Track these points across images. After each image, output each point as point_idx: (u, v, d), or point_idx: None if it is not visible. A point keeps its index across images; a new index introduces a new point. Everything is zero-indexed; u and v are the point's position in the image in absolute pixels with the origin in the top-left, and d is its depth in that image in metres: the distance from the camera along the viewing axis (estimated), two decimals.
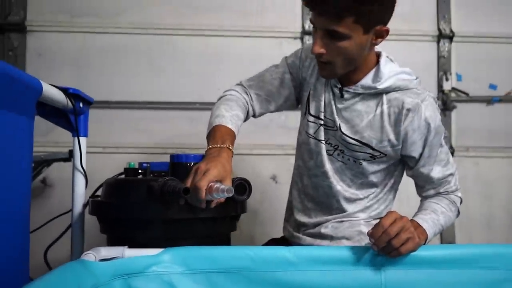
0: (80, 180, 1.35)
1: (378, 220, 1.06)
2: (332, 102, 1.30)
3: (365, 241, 1.07)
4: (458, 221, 1.36)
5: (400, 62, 1.29)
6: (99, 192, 1.34)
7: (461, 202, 1.33)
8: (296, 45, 2.28)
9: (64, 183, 2.09)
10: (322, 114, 1.31)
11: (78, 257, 0.99)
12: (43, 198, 2.19)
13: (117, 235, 1.26)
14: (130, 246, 1.03)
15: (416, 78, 1.27)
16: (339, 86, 1.28)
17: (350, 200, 1.34)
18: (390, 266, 1.06)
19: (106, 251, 1.00)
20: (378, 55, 1.28)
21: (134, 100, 2.24)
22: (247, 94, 1.38)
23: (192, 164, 1.23)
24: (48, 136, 2.13)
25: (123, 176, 1.33)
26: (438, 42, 2.37)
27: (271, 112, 1.43)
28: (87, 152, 1.39)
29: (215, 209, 1.15)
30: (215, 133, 1.22)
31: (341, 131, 1.28)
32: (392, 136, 1.25)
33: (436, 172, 1.28)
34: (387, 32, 1.18)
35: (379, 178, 1.33)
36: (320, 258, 1.05)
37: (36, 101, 1.10)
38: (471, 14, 2.39)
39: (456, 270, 1.06)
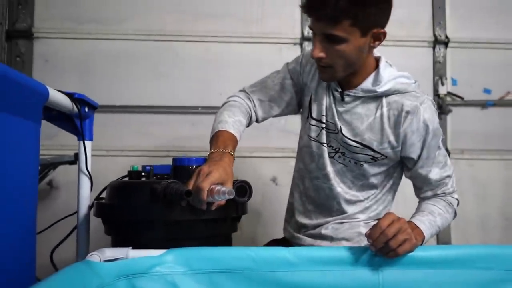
0: (85, 182, 1.35)
1: (377, 221, 1.06)
2: (333, 106, 1.30)
3: (365, 242, 1.07)
4: (454, 222, 1.36)
5: (397, 67, 1.30)
6: (103, 195, 1.33)
7: (458, 204, 1.32)
8: (296, 51, 2.29)
9: (69, 186, 2.09)
10: (324, 117, 1.32)
11: (83, 258, 0.99)
12: (50, 200, 2.18)
13: (121, 236, 1.26)
14: (134, 247, 1.03)
15: (415, 82, 1.28)
16: (340, 90, 1.28)
17: (350, 202, 1.34)
18: (387, 266, 1.06)
19: (111, 252, 1.00)
20: (378, 59, 1.28)
21: (138, 105, 2.24)
22: (250, 100, 1.38)
23: (194, 167, 1.23)
24: (54, 140, 2.12)
25: (127, 178, 1.33)
26: (433, 47, 2.37)
27: (274, 116, 1.43)
28: (92, 155, 1.39)
29: (216, 210, 1.15)
30: (217, 138, 1.22)
31: (342, 134, 1.28)
32: (392, 138, 1.25)
33: (434, 173, 1.28)
34: (384, 35, 1.18)
35: (379, 180, 1.33)
36: (319, 258, 1.05)
37: (43, 106, 1.10)
38: (465, 20, 2.39)
39: (452, 270, 1.06)
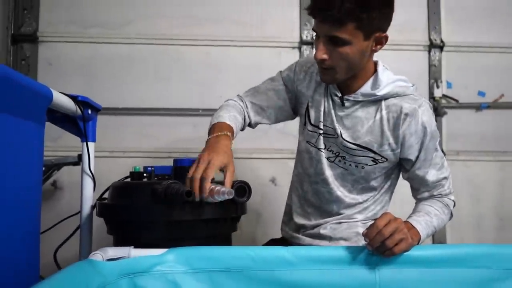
0: (88, 183, 1.35)
1: (374, 221, 1.06)
2: (332, 111, 1.29)
3: (362, 241, 1.07)
4: (450, 222, 1.35)
5: (394, 71, 1.30)
6: (106, 195, 1.33)
7: (454, 205, 1.32)
8: (294, 55, 2.29)
9: (73, 186, 2.08)
10: (322, 123, 1.31)
11: (86, 257, 0.99)
12: (54, 200, 2.18)
13: (123, 236, 1.26)
14: (136, 247, 1.03)
15: (413, 85, 1.28)
16: (340, 95, 1.27)
17: (350, 205, 1.33)
18: (384, 265, 1.05)
19: (113, 251, 1.00)
20: (375, 63, 1.28)
21: (140, 107, 2.24)
22: (243, 102, 1.38)
23: None
24: (58, 141, 2.12)
25: (129, 179, 1.33)
26: (429, 51, 2.37)
27: (267, 122, 1.42)
28: (95, 157, 1.40)
29: (216, 211, 1.15)
30: (214, 128, 1.22)
31: (342, 138, 1.27)
32: (391, 140, 1.24)
33: (431, 175, 1.28)
34: (386, 39, 1.18)
35: (379, 182, 1.33)
36: (317, 257, 1.05)
37: (47, 108, 1.10)
38: (460, 25, 2.39)
39: (447, 269, 1.05)
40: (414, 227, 1.15)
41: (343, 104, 1.27)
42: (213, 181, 1.18)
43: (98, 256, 0.97)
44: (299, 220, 1.40)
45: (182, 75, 2.25)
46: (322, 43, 1.15)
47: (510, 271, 1.06)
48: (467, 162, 2.36)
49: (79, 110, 1.26)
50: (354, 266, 1.05)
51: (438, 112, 2.30)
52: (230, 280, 1.02)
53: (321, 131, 1.31)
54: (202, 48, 2.28)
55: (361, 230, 1.27)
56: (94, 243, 1.36)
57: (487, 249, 1.09)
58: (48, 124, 1.18)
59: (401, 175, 1.37)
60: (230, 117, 1.27)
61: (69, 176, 2.14)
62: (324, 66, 1.19)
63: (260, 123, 1.41)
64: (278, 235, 1.52)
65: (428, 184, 1.29)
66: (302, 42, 2.30)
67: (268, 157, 2.28)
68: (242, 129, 1.37)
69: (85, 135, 1.32)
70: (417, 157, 1.26)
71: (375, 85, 1.24)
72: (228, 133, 1.17)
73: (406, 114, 1.22)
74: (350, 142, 1.27)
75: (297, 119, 1.44)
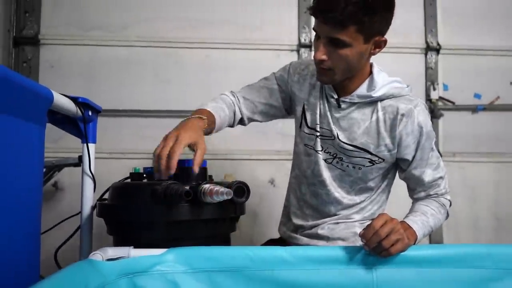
0: (88, 184, 1.35)
1: (371, 221, 1.06)
2: (328, 113, 1.29)
3: (360, 242, 1.07)
4: (446, 222, 1.35)
5: (391, 73, 1.30)
6: (106, 196, 1.33)
7: (450, 205, 1.32)
8: (293, 57, 2.29)
9: (74, 187, 2.08)
10: (318, 126, 1.31)
11: (86, 257, 0.99)
12: (55, 201, 2.18)
13: (123, 236, 1.25)
14: (136, 247, 1.02)
15: (407, 86, 1.28)
16: (336, 96, 1.27)
17: (348, 206, 1.33)
18: (381, 265, 1.05)
19: (113, 251, 1.00)
20: (370, 65, 1.28)
21: (140, 109, 2.24)
22: (235, 97, 1.38)
23: None
24: (59, 143, 2.12)
25: (128, 180, 1.32)
26: (426, 54, 2.37)
27: (259, 119, 1.41)
28: (96, 158, 1.39)
29: (215, 211, 1.14)
30: (192, 113, 1.21)
31: (339, 139, 1.27)
32: (388, 141, 1.24)
33: (427, 175, 1.28)
34: (385, 42, 1.18)
35: (376, 182, 1.33)
36: (315, 257, 1.05)
37: (48, 110, 1.10)
38: (456, 28, 2.39)
39: (444, 269, 1.05)
40: (410, 227, 1.15)
41: (339, 106, 1.27)
42: (212, 182, 1.18)
43: (98, 256, 0.97)
44: (297, 221, 1.39)
45: (181, 78, 2.25)
46: (322, 44, 1.15)
47: (506, 271, 1.06)
48: (463, 164, 2.36)
49: (79, 112, 1.25)
50: (351, 266, 1.05)
51: (434, 114, 2.30)
52: (229, 280, 1.02)
53: (318, 134, 1.31)
54: (201, 51, 2.28)
55: (359, 230, 1.27)
56: (94, 244, 1.35)
57: (483, 249, 1.09)
58: (49, 126, 1.18)
59: (397, 175, 1.37)
60: (215, 107, 1.26)
61: (70, 177, 2.14)
62: (322, 66, 1.19)
63: (252, 120, 1.40)
64: (276, 235, 1.52)
65: (424, 183, 1.29)
66: (300, 45, 2.30)
67: (266, 158, 2.28)
68: (232, 125, 1.37)
69: (85, 137, 1.32)
70: (414, 157, 1.26)
71: (371, 86, 1.24)
72: (203, 117, 1.15)
73: (403, 115, 1.22)
74: (346, 144, 1.27)
75: (292, 121, 1.44)
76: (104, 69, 2.24)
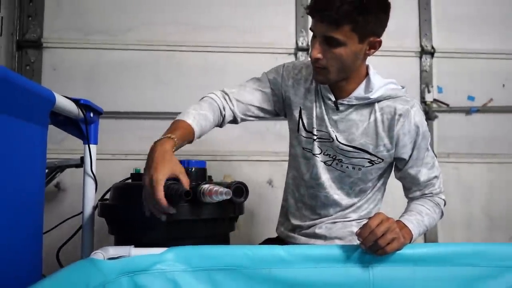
0: (90, 184, 1.35)
1: (367, 220, 1.05)
2: (325, 116, 1.28)
3: (357, 241, 1.06)
4: (441, 222, 1.35)
5: (387, 76, 1.29)
6: (107, 196, 1.33)
7: (444, 204, 1.32)
8: (290, 60, 2.28)
9: (76, 188, 2.07)
10: (315, 129, 1.29)
11: (87, 256, 0.98)
12: (57, 201, 2.17)
13: (124, 235, 1.25)
14: (136, 246, 1.02)
15: (403, 87, 1.28)
16: (333, 99, 1.27)
17: (346, 207, 1.33)
18: (377, 263, 1.05)
19: (114, 250, 0.99)
20: (367, 67, 1.28)
21: (141, 111, 2.24)
22: (226, 100, 1.32)
23: (193, 169, 1.23)
24: (61, 144, 2.12)
25: (129, 180, 1.32)
26: (420, 57, 2.37)
27: (251, 120, 1.38)
28: (98, 159, 1.39)
29: (215, 211, 1.14)
30: (169, 126, 1.16)
31: (338, 141, 1.26)
32: (386, 141, 1.24)
33: (423, 174, 1.28)
34: (379, 43, 1.18)
35: (374, 183, 1.33)
36: (312, 256, 1.04)
37: (50, 111, 1.09)
38: (450, 32, 2.40)
39: (439, 267, 1.05)
40: (406, 226, 1.15)
41: (337, 108, 1.27)
42: (212, 182, 1.17)
43: (99, 255, 0.96)
44: (295, 221, 1.39)
45: (182, 80, 2.25)
46: (318, 42, 1.15)
47: (499, 269, 1.06)
48: (458, 164, 2.36)
49: (81, 113, 1.25)
50: (348, 264, 1.05)
51: (429, 116, 2.31)
52: (228, 278, 1.01)
53: (315, 137, 1.30)
54: (201, 54, 2.28)
55: (355, 229, 1.26)
56: (95, 243, 1.35)
57: (477, 247, 1.09)
58: (52, 127, 1.18)
59: (392, 175, 1.37)
60: (198, 115, 1.20)
61: (72, 178, 2.13)
62: (317, 65, 1.19)
63: (244, 120, 1.36)
64: (274, 234, 1.51)
65: (420, 183, 1.29)
66: (298, 49, 2.30)
67: (265, 159, 2.28)
68: (221, 126, 1.32)
69: (87, 138, 1.31)
70: (410, 156, 1.26)
71: (368, 88, 1.24)
72: (172, 136, 1.09)
73: (400, 115, 1.22)
74: (345, 145, 1.26)
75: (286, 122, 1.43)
76: (105, 72, 2.24)
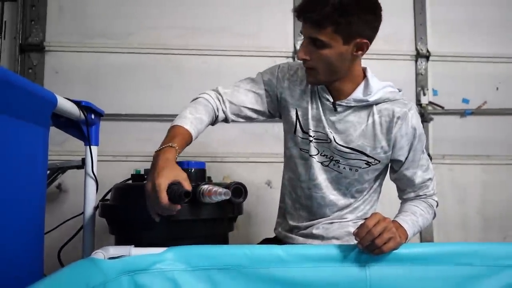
0: (91, 185, 1.34)
1: (364, 221, 1.05)
2: (323, 117, 1.27)
3: (353, 240, 1.06)
4: (436, 221, 1.36)
5: (383, 79, 1.29)
6: (108, 197, 1.32)
7: (437, 206, 1.32)
8: None
9: (77, 189, 2.06)
10: (311, 130, 1.28)
11: (88, 256, 0.98)
12: (59, 203, 2.16)
13: (124, 235, 1.25)
14: (136, 246, 1.01)
15: (400, 91, 1.28)
16: (331, 100, 1.26)
17: (343, 208, 1.32)
18: (374, 262, 1.05)
19: (114, 250, 0.99)
20: (364, 70, 1.28)
21: (141, 113, 2.23)
22: (220, 101, 1.29)
23: (193, 170, 1.23)
24: (63, 146, 2.11)
25: (130, 181, 1.32)
26: (416, 61, 2.38)
27: (243, 121, 1.36)
28: (99, 160, 1.38)
29: (214, 211, 1.13)
30: (168, 133, 1.15)
31: (336, 142, 1.26)
32: (384, 143, 1.24)
33: (418, 176, 1.28)
34: (367, 45, 1.17)
35: (370, 184, 1.32)
36: (310, 256, 1.04)
37: (51, 113, 1.09)
38: (445, 36, 2.40)
39: (434, 266, 1.05)
40: (401, 226, 1.15)
41: (335, 109, 1.26)
42: (211, 182, 1.17)
43: (99, 254, 0.95)
44: (293, 221, 1.38)
45: (181, 83, 2.25)
46: (305, 44, 1.17)
47: (493, 268, 1.06)
48: (452, 166, 2.36)
49: (82, 115, 1.25)
50: (345, 263, 1.04)
51: (424, 118, 2.31)
52: (227, 277, 1.01)
53: (312, 138, 1.29)
54: (201, 57, 2.28)
55: (352, 229, 1.25)
56: (96, 243, 1.34)
57: (472, 247, 1.08)
58: (53, 130, 1.17)
59: (387, 177, 1.36)
60: (195, 119, 1.18)
61: (73, 179, 2.12)
62: (306, 66, 1.20)
63: (235, 121, 1.34)
64: (272, 234, 1.51)
65: (415, 184, 1.29)
66: (296, 52, 2.30)
67: (263, 161, 2.27)
68: (213, 125, 1.30)
69: (88, 139, 1.31)
70: (406, 158, 1.26)
71: (366, 91, 1.24)
72: (173, 145, 1.08)
73: (398, 118, 1.22)
74: (343, 146, 1.26)
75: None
76: (107, 75, 2.24)
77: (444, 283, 1.04)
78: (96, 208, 1.33)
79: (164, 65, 2.26)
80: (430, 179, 1.30)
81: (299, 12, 1.15)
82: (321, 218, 1.34)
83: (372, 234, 1.01)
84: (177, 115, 1.17)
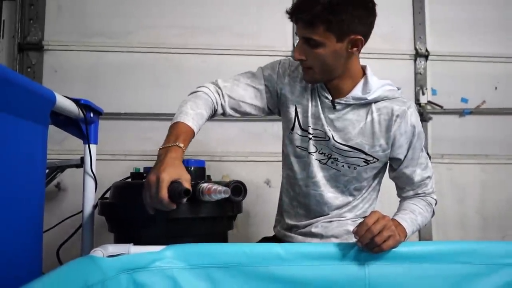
0: (90, 183, 1.34)
1: (363, 219, 1.05)
2: (322, 115, 1.27)
3: (352, 239, 1.06)
4: (435, 220, 1.36)
5: (382, 78, 1.29)
6: (107, 195, 1.32)
7: (436, 204, 1.32)
8: None
9: (76, 188, 2.06)
10: (310, 128, 1.28)
11: (87, 254, 0.97)
12: (57, 201, 2.16)
13: (124, 233, 1.24)
14: (135, 244, 1.01)
15: (399, 89, 1.28)
16: (330, 98, 1.26)
17: (340, 206, 1.32)
18: (373, 261, 1.05)
19: (113, 248, 0.99)
20: (363, 68, 1.28)
21: (140, 112, 2.23)
22: (219, 95, 1.28)
23: (192, 168, 1.22)
24: (62, 145, 2.11)
25: (129, 179, 1.31)
26: (415, 60, 2.38)
27: (239, 116, 1.35)
28: (98, 159, 1.38)
29: (214, 209, 1.13)
30: (172, 130, 1.14)
31: (334, 140, 1.26)
32: (382, 141, 1.24)
33: (417, 174, 1.28)
34: (361, 41, 1.16)
35: (369, 182, 1.32)
36: (309, 254, 1.04)
37: (50, 111, 1.09)
38: (444, 35, 2.40)
39: (433, 265, 1.05)
40: (400, 224, 1.15)
41: (334, 107, 1.26)
42: (211, 181, 1.17)
43: (98, 252, 0.95)
44: (291, 220, 1.38)
45: (181, 82, 2.24)
46: (299, 44, 1.17)
47: (491, 266, 1.06)
48: (451, 165, 2.36)
49: (81, 113, 1.25)
50: (344, 262, 1.04)
51: (423, 117, 2.30)
52: (227, 276, 1.00)
53: (311, 135, 1.29)
54: (200, 57, 2.28)
55: (351, 228, 1.26)
56: (95, 241, 1.34)
57: (470, 245, 1.09)
58: (52, 129, 1.17)
59: (386, 175, 1.36)
60: (196, 115, 1.17)
61: (72, 178, 2.12)
62: (303, 65, 1.21)
63: (232, 116, 1.33)
64: (271, 233, 1.51)
65: (414, 183, 1.29)
66: None
67: (263, 160, 2.27)
68: (212, 117, 1.30)
69: (87, 137, 1.31)
70: (405, 156, 1.26)
71: (365, 89, 1.24)
72: (179, 144, 1.08)
73: (397, 116, 1.22)
74: (341, 144, 1.26)
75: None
76: (106, 74, 2.24)
77: (443, 281, 1.04)
78: (95, 206, 1.33)
79: (163, 64, 2.26)
80: (429, 177, 1.30)
81: (291, 14, 1.15)
82: (319, 216, 1.34)
83: (372, 232, 1.01)
84: (175, 113, 1.16)
